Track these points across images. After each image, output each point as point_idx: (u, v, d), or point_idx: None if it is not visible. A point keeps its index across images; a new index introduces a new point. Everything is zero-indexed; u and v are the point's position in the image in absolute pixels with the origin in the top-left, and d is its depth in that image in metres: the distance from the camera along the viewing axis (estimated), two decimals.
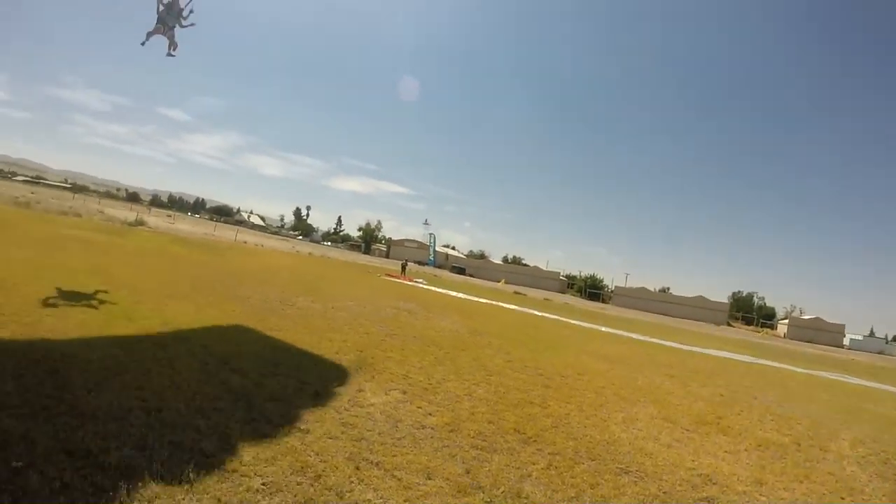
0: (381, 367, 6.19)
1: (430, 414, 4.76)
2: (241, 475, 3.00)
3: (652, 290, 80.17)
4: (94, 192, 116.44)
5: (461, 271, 76.07)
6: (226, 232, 47.25)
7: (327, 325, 8.37)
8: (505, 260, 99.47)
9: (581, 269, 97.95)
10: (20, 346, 4.57)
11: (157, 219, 44.72)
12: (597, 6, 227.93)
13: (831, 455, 5.64)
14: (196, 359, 5.13)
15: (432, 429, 4.38)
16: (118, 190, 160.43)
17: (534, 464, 4.02)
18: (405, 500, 3.09)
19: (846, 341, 67.09)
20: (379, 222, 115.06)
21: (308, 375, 5.23)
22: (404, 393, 5.29)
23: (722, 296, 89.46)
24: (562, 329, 15.95)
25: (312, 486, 3.04)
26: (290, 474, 3.12)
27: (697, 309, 68.86)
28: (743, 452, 5.22)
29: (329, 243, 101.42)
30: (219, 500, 2.72)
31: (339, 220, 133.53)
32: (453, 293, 23.00)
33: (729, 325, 66.75)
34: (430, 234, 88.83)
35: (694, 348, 16.81)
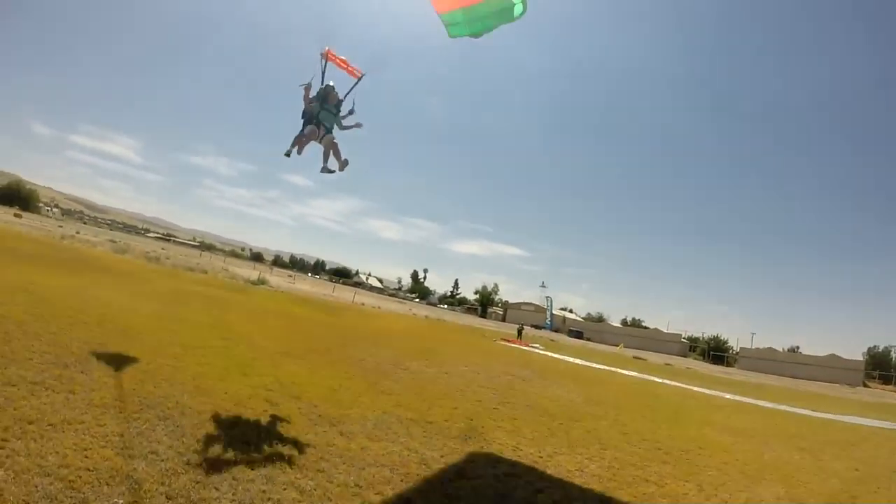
0: (490, 437, 5.70)
1: (539, 491, 4.18)
2: None
3: (780, 349, 71.35)
4: (221, 250, 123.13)
5: (579, 335, 72.03)
6: (344, 293, 48.51)
7: (439, 391, 8.00)
8: (624, 322, 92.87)
9: (703, 330, 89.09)
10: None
11: (278, 278, 46.72)
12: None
13: None
14: (306, 418, 5.03)
15: None
16: (243, 249, 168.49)
17: None
18: None
19: None
20: (496, 285, 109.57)
21: (414, 442, 4.92)
22: (513, 466, 4.76)
23: (856, 352, 77.02)
24: (683, 398, 14.25)
25: None
26: None
27: (829, 369, 59.76)
28: None
29: (445, 306, 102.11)
30: None
31: (456, 282, 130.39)
32: (570, 359, 21.71)
33: (865, 385, 56.99)
34: (547, 297, 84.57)
35: (827, 415, 14.52)
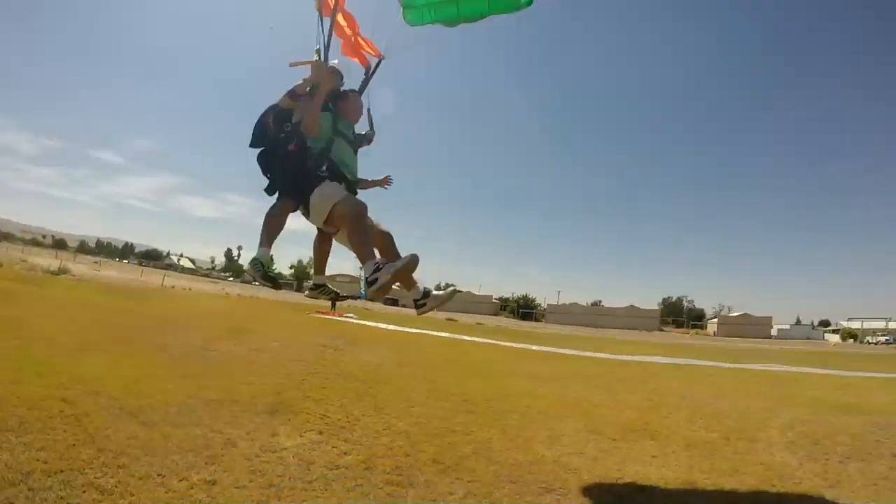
0: (298, 407, 5.91)
1: (344, 453, 4.55)
2: None
3: (584, 304, 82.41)
4: (20, 239, 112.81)
5: (394, 303, 73.90)
6: (153, 276, 46.28)
7: (247, 369, 7.94)
8: (437, 287, 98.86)
9: (514, 291, 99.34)
10: None
11: (82, 266, 43.47)
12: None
13: (760, 444, 5.73)
14: (105, 412, 4.80)
15: (346, 468, 4.18)
16: (44, 237, 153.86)
17: (451, 494, 3.86)
18: None
19: (774, 332, 71.98)
20: (311, 259, 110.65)
21: (219, 423, 4.95)
22: (320, 433, 5.06)
23: (653, 303, 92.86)
24: (491, 352, 15.87)
25: None
26: None
27: (630, 318, 71.36)
28: (671, 455, 5.21)
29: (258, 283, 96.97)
30: None
31: (272, 258, 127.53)
32: (383, 325, 22.70)
33: (661, 330, 69.91)
34: (361, 268, 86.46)
35: (624, 357, 17.00)
